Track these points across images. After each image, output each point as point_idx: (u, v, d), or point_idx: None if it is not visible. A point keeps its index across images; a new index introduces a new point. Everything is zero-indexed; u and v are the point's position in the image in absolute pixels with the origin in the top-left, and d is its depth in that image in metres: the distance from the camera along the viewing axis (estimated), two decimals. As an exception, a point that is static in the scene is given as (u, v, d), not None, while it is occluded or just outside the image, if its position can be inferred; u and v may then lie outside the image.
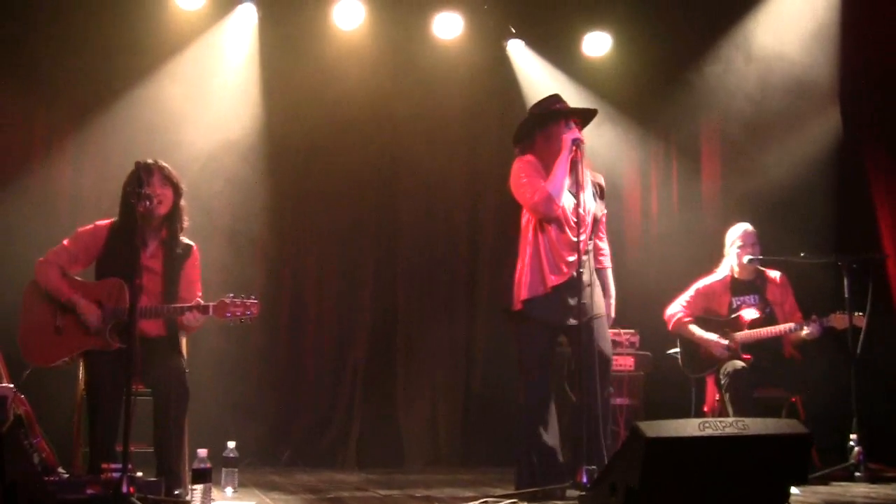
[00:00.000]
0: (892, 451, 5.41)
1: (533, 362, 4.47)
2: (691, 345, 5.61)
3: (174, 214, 4.44)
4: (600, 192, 4.66)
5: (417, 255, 7.01)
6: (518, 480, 4.37)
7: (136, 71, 6.31)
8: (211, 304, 4.21)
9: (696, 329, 5.60)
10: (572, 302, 4.23)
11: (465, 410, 6.88)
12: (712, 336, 5.52)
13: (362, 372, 6.71)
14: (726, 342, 5.47)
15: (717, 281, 5.71)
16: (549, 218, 4.43)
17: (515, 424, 4.53)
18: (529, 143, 4.61)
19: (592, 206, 4.54)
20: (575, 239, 4.29)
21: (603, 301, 4.58)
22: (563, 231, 4.42)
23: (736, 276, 5.68)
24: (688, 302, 5.70)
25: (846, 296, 5.27)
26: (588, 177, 4.57)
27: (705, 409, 5.69)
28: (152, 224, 4.36)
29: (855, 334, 5.21)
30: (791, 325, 5.41)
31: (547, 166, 4.47)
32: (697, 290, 5.73)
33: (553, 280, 4.38)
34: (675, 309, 5.72)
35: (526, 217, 4.54)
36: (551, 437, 4.42)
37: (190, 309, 4.20)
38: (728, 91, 6.85)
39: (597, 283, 4.56)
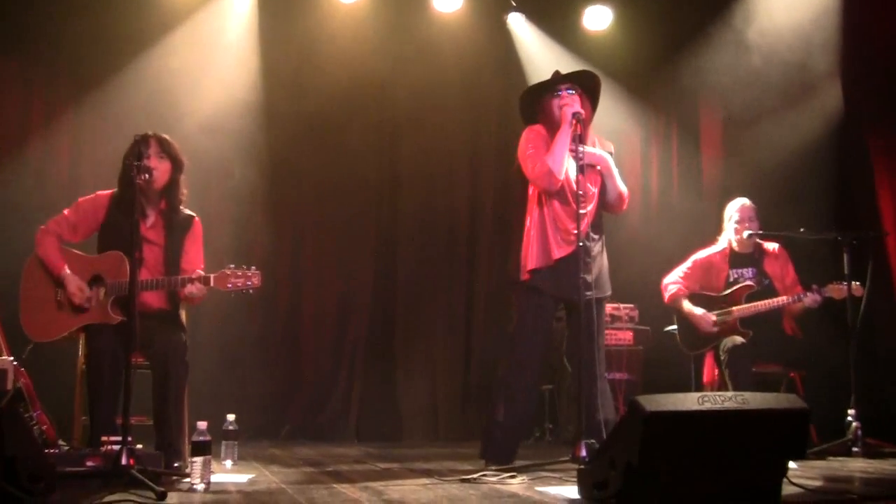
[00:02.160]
0: (889, 426, 5.43)
1: (527, 336, 4.49)
2: (688, 321, 5.61)
3: (171, 187, 4.42)
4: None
5: (418, 231, 7.00)
6: (483, 452, 4.49)
7: (134, 44, 6.28)
8: (212, 275, 4.20)
9: (686, 304, 5.60)
10: (576, 276, 4.22)
11: (464, 385, 6.91)
12: (699, 310, 5.53)
13: (362, 346, 6.73)
14: (714, 318, 5.48)
15: (716, 253, 5.72)
16: (548, 191, 4.43)
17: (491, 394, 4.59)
18: (534, 121, 4.61)
19: (597, 178, 4.53)
20: (579, 211, 4.26)
21: (608, 281, 4.59)
22: (566, 203, 4.42)
23: (734, 249, 5.68)
24: (685, 273, 5.70)
25: (846, 272, 5.27)
26: (596, 147, 4.55)
27: (704, 381, 5.71)
28: (151, 196, 4.35)
29: (854, 309, 5.22)
30: (789, 297, 5.42)
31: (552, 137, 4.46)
32: (695, 262, 5.73)
33: (558, 252, 4.38)
34: (672, 279, 5.71)
35: (532, 188, 4.54)
36: (513, 417, 4.46)
37: (191, 280, 4.19)
38: (729, 67, 6.81)
39: (604, 260, 4.56)
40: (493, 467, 4.19)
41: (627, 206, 4.71)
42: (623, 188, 4.57)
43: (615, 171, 4.54)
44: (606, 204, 4.62)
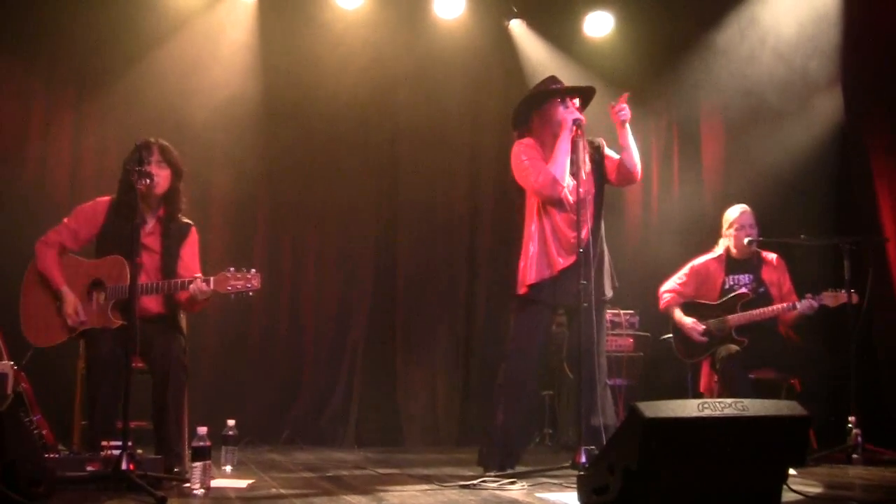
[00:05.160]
0: (890, 433, 5.42)
1: (528, 346, 4.51)
2: (683, 330, 5.62)
3: (172, 195, 4.43)
4: (600, 155, 4.61)
5: (417, 236, 7.01)
6: (482, 458, 4.49)
7: (135, 47, 6.29)
8: (211, 277, 4.19)
9: (677, 313, 5.62)
10: (578, 283, 4.22)
11: (463, 391, 6.90)
12: (688, 321, 5.54)
13: (362, 351, 6.72)
14: (702, 328, 5.49)
15: (713, 259, 5.72)
16: (553, 200, 4.44)
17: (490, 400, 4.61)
18: (527, 126, 4.62)
19: (594, 182, 4.55)
20: (579, 219, 4.27)
21: (607, 283, 4.60)
22: (565, 212, 4.43)
23: (732, 255, 5.68)
24: (681, 281, 5.71)
25: (846, 278, 5.27)
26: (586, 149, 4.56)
27: (700, 389, 5.71)
28: (150, 203, 4.36)
29: (854, 315, 5.21)
30: (784, 304, 5.42)
31: (546, 148, 4.48)
32: (692, 269, 5.74)
33: (561, 263, 4.40)
34: (668, 287, 5.73)
35: (529, 200, 4.54)
36: (513, 422, 4.48)
37: (191, 281, 4.19)
38: (730, 72, 6.82)
39: (605, 262, 4.57)
40: (492, 473, 4.19)
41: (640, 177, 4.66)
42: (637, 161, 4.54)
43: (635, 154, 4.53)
44: (622, 178, 4.59)
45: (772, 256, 5.72)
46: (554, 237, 4.44)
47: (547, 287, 4.44)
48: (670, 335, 5.76)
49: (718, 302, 5.58)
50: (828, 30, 6.47)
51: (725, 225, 5.73)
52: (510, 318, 4.62)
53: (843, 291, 5.23)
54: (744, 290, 5.54)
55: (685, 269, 5.75)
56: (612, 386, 5.82)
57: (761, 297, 5.54)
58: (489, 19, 7.15)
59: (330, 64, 6.71)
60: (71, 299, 4.24)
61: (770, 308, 5.44)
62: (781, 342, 5.56)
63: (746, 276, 5.63)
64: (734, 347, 5.36)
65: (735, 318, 5.47)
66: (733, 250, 5.67)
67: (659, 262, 6.55)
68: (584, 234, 4.24)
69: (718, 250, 5.74)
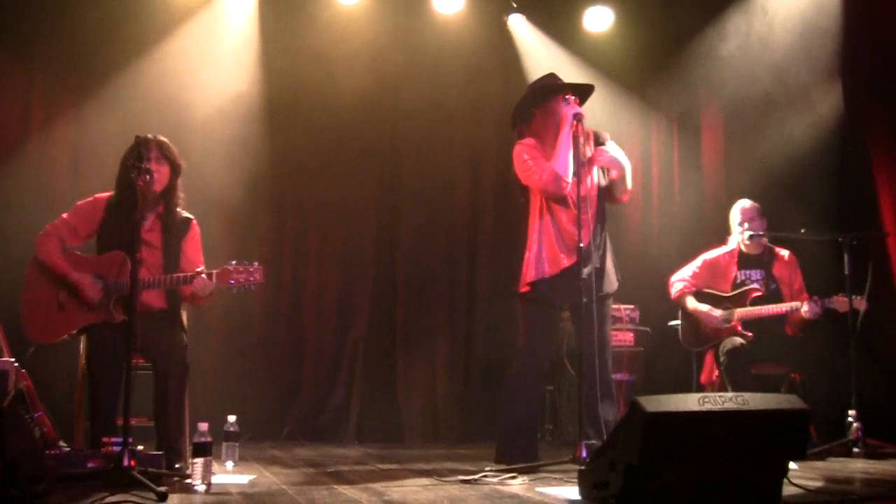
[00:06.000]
0: (890, 427, 5.42)
1: (535, 343, 4.55)
2: (691, 318, 5.63)
3: (170, 191, 4.43)
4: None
5: (418, 232, 7.00)
6: (498, 454, 4.53)
7: (135, 44, 6.28)
8: (214, 271, 4.19)
9: (692, 302, 5.62)
10: (579, 280, 4.23)
11: (464, 387, 6.89)
12: (705, 307, 5.54)
13: (363, 347, 6.72)
14: (719, 314, 5.49)
15: (725, 253, 5.74)
16: (558, 197, 4.44)
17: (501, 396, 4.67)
18: (528, 123, 4.63)
19: (596, 178, 4.55)
20: (582, 216, 4.27)
21: (613, 277, 4.61)
22: (569, 209, 4.44)
23: (744, 250, 5.70)
24: (694, 273, 5.72)
25: (846, 273, 5.27)
26: (591, 144, 4.57)
27: (702, 380, 5.72)
28: (149, 199, 4.35)
29: (855, 311, 5.22)
30: (792, 304, 5.43)
31: (546, 145, 4.49)
32: (705, 261, 5.75)
33: (565, 262, 4.41)
34: (680, 277, 5.74)
35: (534, 199, 4.56)
36: (526, 416, 4.55)
37: (194, 276, 4.18)
38: (730, 67, 6.82)
39: (609, 255, 4.58)
40: (495, 467, 4.20)
41: (629, 200, 4.75)
42: (629, 185, 4.60)
43: (628, 171, 4.57)
44: (609, 198, 4.66)
45: (784, 253, 5.73)
46: (558, 236, 4.46)
47: (550, 286, 4.46)
48: (677, 321, 5.77)
49: (730, 294, 5.59)
50: (828, 24, 6.47)
51: (732, 220, 5.75)
52: (518, 316, 4.64)
53: (856, 297, 5.22)
54: (756, 286, 5.55)
55: (698, 262, 5.76)
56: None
57: (772, 293, 5.55)
58: (489, 14, 7.14)
59: (329, 59, 6.69)
60: (83, 280, 4.21)
61: (778, 307, 5.44)
62: (785, 337, 5.56)
63: (758, 271, 5.65)
64: (739, 340, 5.37)
65: (742, 313, 5.48)
66: (743, 246, 5.69)
67: (659, 256, 6.56)
68: (587, 229, 4.24)
69: (730, 245, 5.76)
